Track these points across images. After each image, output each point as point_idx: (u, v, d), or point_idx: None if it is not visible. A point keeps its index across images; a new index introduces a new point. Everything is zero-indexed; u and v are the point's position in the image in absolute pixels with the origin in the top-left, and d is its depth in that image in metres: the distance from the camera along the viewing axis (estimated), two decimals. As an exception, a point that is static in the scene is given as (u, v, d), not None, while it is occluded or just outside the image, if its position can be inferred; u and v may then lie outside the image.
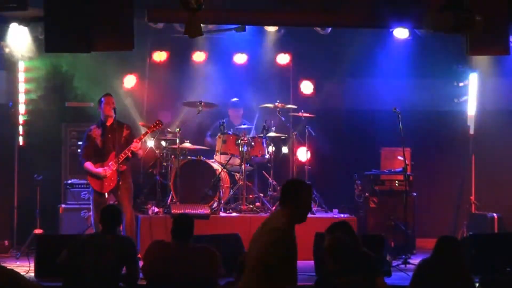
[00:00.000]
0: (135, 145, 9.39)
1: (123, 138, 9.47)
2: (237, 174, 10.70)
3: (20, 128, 10.95)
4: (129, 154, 9.40)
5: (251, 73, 11.63)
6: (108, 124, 9.46)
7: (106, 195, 9.30)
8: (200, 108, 10.61)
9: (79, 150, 9.92)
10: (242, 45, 11.45)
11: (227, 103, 11.39)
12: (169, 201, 10.24)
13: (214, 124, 11.17)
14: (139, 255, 7.19)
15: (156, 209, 10.10)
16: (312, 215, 10.31)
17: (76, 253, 6.62)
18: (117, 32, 8.50)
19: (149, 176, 10.95)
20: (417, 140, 11.13)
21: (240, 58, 11.68)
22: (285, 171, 11.28)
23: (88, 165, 9.40)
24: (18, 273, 5.74)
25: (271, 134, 10.75)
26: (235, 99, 11.33)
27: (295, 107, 11.19)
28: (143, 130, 10.54)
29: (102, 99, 9.48)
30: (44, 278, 8.03)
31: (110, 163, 9.30)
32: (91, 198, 9.48)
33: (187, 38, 8.73)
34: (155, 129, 9.84)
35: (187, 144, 10.68)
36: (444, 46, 10.82)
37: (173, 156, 10.64)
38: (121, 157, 9.32)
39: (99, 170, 9.31)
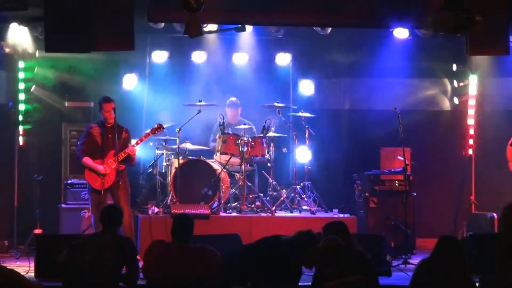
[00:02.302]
0: (131, 149, 9.34)
1: (122, 140, 9.42)
2: (237, 174, 10.71)
3: (20, 128, 10.96)
4: (125, 155, 9.37)
5: (251, 73, 11.63)
6: (108, 125, 9.42)
7: (102, 192, 9.25)
8: (200, 108, 10.60)
9: (78, 143, 9.87)
10: (242, 45, 11.45)
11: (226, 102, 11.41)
12: (169, 201, 10.24)
13: (214, 127, 11.15)
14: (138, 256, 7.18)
15: (156, 209, 10.09)
16: (312, 215, 10.33)
17: (76, 253, 6.61)
18: (117, 32, 8.51)
19: (149, 176, 10.95)
20: (417, 140, 11.13)
21: (240, 58, 11.68)
22: (285, 171, 11.29)
23: (87, 160, 9.31)
24: (18, 273, 5.76)
25: (271, 134, 10.76)
26: (232, 98, 11.33)
27: (295, 107, 11.20)
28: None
29: (102, 105, 9.38)
30: (44, 278, 8.02)
31: (109, 161, 9.27)
32: (89, 197, 9.46)
33: (187, 38, 8.74)
34: (156, 132, 9.76)
35: (187, 144, 10.68)
36: (444, 46, 10.82)
37: (173, 156, 10.64)
38: (120, 155, 9.29)
39: (99, 167, 9.28)
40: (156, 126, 9.72)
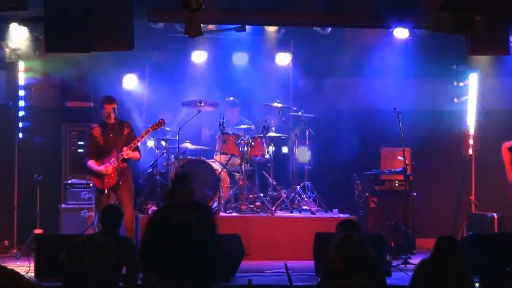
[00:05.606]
0: (127, 153, 9.33)
1: (124, 137, 9.43)
2: (237, 174, 10.70)
3: (20, 128, 10.95)
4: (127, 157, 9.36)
5: (251, 73, 11.63)
6: (109, 123, 9.43)
7: (106, 191, 9.24)
8: (200, 108, 10.60)
9: (81, 151, 9.92)
10: (242, 45, 11.46)
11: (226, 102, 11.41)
12: (169, 201, 10.22)
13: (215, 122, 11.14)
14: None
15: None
16: (312, 215, 10.33)
17: (76, 253, 6.62)
18: (117, 32, 8.52)
19: (149, 176, 10.95)
20: (417, 140, 11.13)
21: (240, 58, 11.68)
22: (285, 171, 11.28)
23: (91, 163, 9.35)
24: (18, 273, 5.75)
25: (271, 134, 10.75)
26: (231, 98, 11.33)
27: (295, 108, 11.19)
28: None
29: (103, 105, 9.38)
30: (44, 278, 8.03)
31: (111, 160, 9.28)
32: (93, 197, 9.48)
33: (187, 38, 8.74)
34: (157, 127, 9.72)
35: (187, 144, 10.68)
36: (444, 46, 10.82)
37: (173, 156, 10.64)
38: (120, 156, 9.28)
39: (100, 168, 9.28)
40: (158, 121, 9.66)
